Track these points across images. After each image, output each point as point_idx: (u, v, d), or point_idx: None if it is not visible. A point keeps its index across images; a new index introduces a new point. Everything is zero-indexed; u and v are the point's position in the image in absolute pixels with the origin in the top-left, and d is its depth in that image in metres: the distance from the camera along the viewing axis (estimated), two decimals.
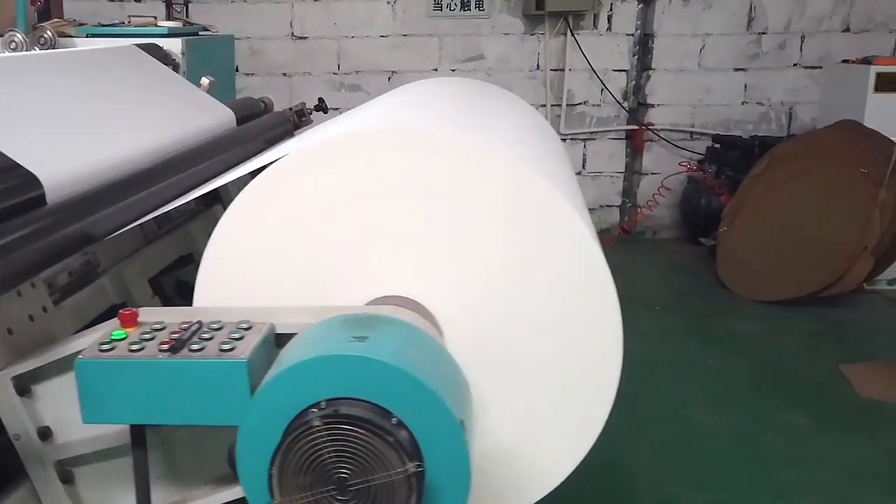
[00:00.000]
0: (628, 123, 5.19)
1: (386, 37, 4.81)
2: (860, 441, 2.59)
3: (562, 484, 2.26)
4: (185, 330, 1.12)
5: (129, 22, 2.91)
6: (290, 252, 1.36)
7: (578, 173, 5.25)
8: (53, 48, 2.71)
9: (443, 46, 4.89)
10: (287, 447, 0.92)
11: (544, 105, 5.04)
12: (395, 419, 0.93)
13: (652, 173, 5.24)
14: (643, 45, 5.10)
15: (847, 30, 5.12)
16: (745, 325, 3.68)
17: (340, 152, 1.32)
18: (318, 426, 0.91)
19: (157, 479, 1.34)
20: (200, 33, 3.27)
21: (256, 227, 1.37)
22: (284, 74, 4.74)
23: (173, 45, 2.76)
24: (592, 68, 5.01)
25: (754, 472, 2.38)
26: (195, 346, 1.07)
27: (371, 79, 4.78)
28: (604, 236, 5.17)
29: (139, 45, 2.55)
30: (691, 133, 5.22)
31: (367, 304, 1.30)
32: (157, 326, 1.15)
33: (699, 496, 2.23)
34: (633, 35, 5.07)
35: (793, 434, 2.62)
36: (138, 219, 1.61)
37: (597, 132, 5.20)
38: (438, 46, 4.88)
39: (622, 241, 5.18)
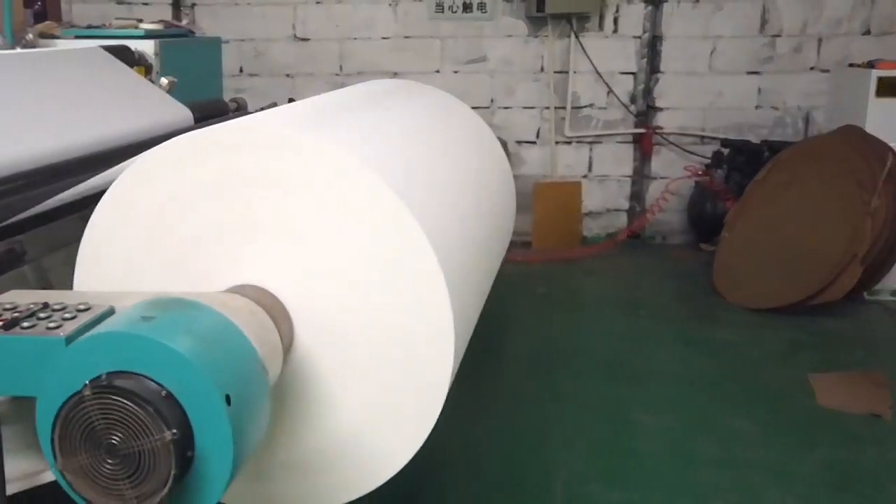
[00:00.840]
0: (636, 127, 5.20)
1: (388, 38, 4.93)
2: (798, 448, 2.59)
3: (475, 477, 2.35)
4: (28, 310, 1.24)
5: (111, 24, 3.09)
6: (161, 241, 1.49)
7: (584, 176, 5.28)
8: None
9: (445, 48, 4.98)
10: (64, 415, 1.04)
11: (548, 107, 5.09)
12: (165, 392, 1.04)
13: (661, 177, 5.25)
14: (651, 47, 5.11)
15: (867, 32, 5.04)
16: (724, 333, 3.69)
17: (195, 148, 1.44)
18: (88, 395, 1.02)
19: (28, 447, 1.47)
20: (190, 35, 3.44)
21: (129, 216, 1.49)
22: (287, 75, 4.91)
23: (147, 47, 2.92)
24: (597, 71, 5.04)
25: (679, 473, 2.41)
26: (27, 324, 1.19)
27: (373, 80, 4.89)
28: (608, 241, 5.19)
29: (107, 47, 2.71)
30: (702, 137, 5.20)
31: (222, 292, 1.41)
32: (9, 306, 1.27)
33: (613, 495, 2.28)
34: (640, 37, 5.08)
35: (732, 439, 2.64)
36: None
37: (603, 135, 5.22)
38: (440, 48, 4.98)
39: (628, 246, 5.18)
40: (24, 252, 1.91)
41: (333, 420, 1.48)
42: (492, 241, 1.97)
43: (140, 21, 3.20)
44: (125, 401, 1.01)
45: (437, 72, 4.98)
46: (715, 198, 4.92)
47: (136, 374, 1.04)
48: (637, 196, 5.36)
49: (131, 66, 2.77)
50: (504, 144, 4.88)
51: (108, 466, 1.03)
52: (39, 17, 3.27)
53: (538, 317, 3.87)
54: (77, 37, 3.04)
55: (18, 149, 1.89)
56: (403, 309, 1.40)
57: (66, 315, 1.22)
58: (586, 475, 2.37)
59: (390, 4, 4.89)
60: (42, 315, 1.22)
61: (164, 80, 2.61)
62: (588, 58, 5.02)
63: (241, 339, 1.15)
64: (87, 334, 1.08)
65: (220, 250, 1.46)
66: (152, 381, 1.04)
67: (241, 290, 1.40)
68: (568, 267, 4.77)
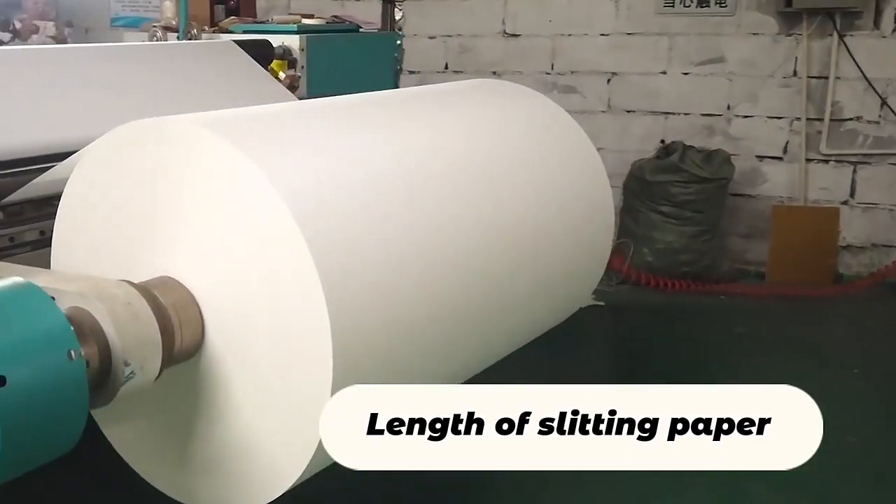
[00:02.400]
0: None
1: (606, 35, 4.81)
2: None
3: None
4: None
5: (272, 20, 3.41)
6: (105, 231, 1.67)
7: (844, 202, 4.74)
8: None
9: (673, 47, 4.74)
10: None
11: (799, 118, 4.63)
12: None
13: None
14: None
15: None
16: None
17: (116, 142, 1.60)
18: None
19: None
20: (360, 30, 3.69)
21: (84, 204, 1.69)
22: (494, 73, 4.97)
23: (294, 42, 3.18)
24: (866, 78, 4.49)
25: None
26: None
27: (588, 81, 4.81)
28: (868, 279, 4.59)
29: (244, 41, 3.02)
30: None
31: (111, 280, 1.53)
32: None
33: None
34: None
35: None
36: None
37: (873, 154, 4.64)
38: (668, 47, 4.75)
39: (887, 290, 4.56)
40: None
41: (241, 420, 1.55)
42: (501, 274, 1.87)
43: (311, 17, 3.48)
44: None
45: (664, 73, 4.76)
46: None
47: None
48: None
49: (270, 60, 3.04)
50: (726, 157, 4.55)
51: None
52: (231, 12, 3.69)
53: (710, 361, 3.55)
54: (245, 31, 3.39)
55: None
56: (283, 318, 1.42)
57: None
58: None
59: None
60: None
61: (282, 75, 2.83)
62: (855, 61, 4.49)
63: (55, 326, 1.25)
64: None
65: (149, 243, 1.59)
66: None
67: (148, 282, 1.51)
68: (799, 306, 4.30)
